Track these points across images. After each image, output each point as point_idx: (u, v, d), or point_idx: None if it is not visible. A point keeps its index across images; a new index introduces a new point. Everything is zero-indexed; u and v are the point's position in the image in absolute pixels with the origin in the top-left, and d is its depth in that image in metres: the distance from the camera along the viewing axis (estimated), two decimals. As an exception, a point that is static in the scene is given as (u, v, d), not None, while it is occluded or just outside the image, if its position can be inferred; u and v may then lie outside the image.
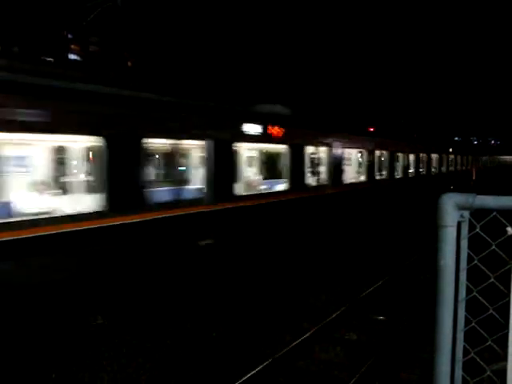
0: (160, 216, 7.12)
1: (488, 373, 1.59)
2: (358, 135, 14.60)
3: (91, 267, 6.43)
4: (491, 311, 1.58)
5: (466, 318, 1.55)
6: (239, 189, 8.96)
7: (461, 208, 1.49)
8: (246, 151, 9.87)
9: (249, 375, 5.47)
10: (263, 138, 9.70)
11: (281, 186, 10.45)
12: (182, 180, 8.02)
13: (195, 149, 8.35)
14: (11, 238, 5.45)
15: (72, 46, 42.16)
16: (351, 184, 13.64)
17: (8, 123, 5.48)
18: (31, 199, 6.32)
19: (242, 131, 9.12)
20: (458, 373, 1.56)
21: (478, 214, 1.53)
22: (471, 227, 1.53)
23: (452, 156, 27.26)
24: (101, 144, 6.47)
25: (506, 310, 1.46)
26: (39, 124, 5.81)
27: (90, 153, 6.82)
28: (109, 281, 6.68)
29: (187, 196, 7.87)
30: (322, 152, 11.98)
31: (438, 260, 1.51)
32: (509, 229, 1.44)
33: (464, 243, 1.52)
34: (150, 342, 6.70)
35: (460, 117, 57.35)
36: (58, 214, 6.25)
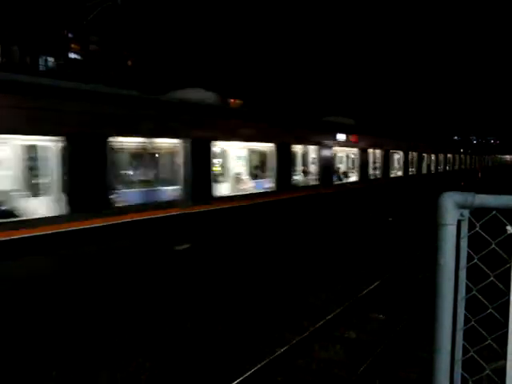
0: (299, 195, 10.88)
1: (487, 371, 1.59)
2: (400, 140, 18.62)
3: (277, 222, 9.93)
4: (491, 310, 1.58)
5: (465, 316, 1.55)
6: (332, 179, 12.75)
7: (461, 207, 1.49)
8: (339, 153, 14.11)
9: (248, 374, 5.48)
10: (346, 143, 13.43)
11: (353, 178, 14.38)
12: (309, 172, 12.17)
13: (312, 151, 12.20)
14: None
15: (72, 45, 42.15)
16: (395, 178, 17.79)
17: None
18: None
19: (336, 139, 12.81)
20: (458, 371, 1.56)
21: (477, 212, 1.53)
22: (471, 226, 1.53)
23: (462, 156, 31.52)
24: (273, 149, 9.77)
25: (506, 309, 1.46)
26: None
27: (268, 154, 10.13)
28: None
29: (312, 183, 11.84)
30: (378, 153, 15.86)
31: (438, 259, 1.51)
32: (509, 228, 1.44)
33: (464, 242, 1.52)
34: (150, 341, 6.71)
35: (459, 115, 57.33)
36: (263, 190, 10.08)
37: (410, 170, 19.72)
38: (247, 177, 10.58)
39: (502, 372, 1.48)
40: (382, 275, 9.76)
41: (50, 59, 38.37)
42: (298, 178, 11.66)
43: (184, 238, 7.46)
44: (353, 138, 13.78)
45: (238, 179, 10.22)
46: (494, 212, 1.48)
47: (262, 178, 10.71)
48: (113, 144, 6.34)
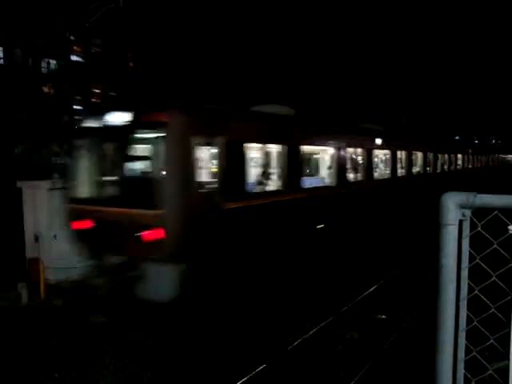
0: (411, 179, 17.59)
1: (490, 371, 1.59)
2: (450, 147, 25.35)
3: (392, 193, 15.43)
4: (493, 310, 1.57)
5: (467, 316, 1.55)
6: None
7: (462, 207, 1.49)
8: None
9: (250, 375, 5.47)
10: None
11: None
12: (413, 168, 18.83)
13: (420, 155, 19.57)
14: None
15: (74, 48, 42.18)
16: (447, 171, 23.70)
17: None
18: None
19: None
20: (460, 371, 1.56)
21: (479, 212, 1.53)
22: (473, 226, 1.52)
23: (490, 156, 43.55)
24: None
25: (508, 309, 1.46)
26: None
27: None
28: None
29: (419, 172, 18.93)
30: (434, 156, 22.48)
31: (440, 259, 1.51)
32: (510, 227, 1.43)
33: (465, 242, 1.52)
34: (153, 340, 6.71)
35: (460, 116, 57.39)
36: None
37: (464, 166, 28.07)
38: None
39: (505, 372, 1.48)
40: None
41: (52, 61, 38.47)
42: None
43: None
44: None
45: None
46: (495, 212, 1.47)
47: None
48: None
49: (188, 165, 7.11)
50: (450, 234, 1.49)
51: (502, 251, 1.51)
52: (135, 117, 7.18)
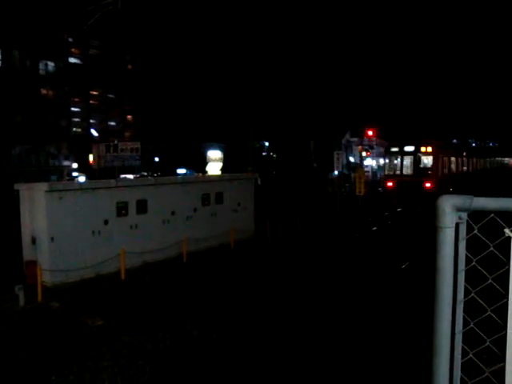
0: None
1: (486, 374, 1.59)
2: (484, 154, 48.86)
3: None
4: (489, 312, 1.58)
5: (464, 319, 1.55)
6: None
7: (459, 209, 1.50)
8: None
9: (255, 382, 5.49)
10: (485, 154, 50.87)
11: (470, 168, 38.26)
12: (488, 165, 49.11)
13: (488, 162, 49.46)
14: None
15: (72, 50, 42.15)
16: (484, 168, 43.72)
17: None
18: None
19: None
20: (457, 374, 1.56)
21: (476, 215, 1.54)
22: (469, 229, 1.53)
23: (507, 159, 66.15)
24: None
25: (504, 311, 1.46)
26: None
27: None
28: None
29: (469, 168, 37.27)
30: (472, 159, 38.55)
31: (436, 262, 1.52)
32: (507, 230, 1.44)
33: (462, 245, 1.52)
34: (151, 344, 6.70)
35: (458, 118, 57.63)
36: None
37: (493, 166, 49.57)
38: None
39: (501, 374, 1.48)
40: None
41: (50, 63, 38.50)
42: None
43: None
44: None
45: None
46: (492, 215, 1.48)
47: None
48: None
49: (439, 165, 24.95)
50: (447, 237, 1.50)
51: (499, 254, 1.52)
52: (419, 148, 24.46)
